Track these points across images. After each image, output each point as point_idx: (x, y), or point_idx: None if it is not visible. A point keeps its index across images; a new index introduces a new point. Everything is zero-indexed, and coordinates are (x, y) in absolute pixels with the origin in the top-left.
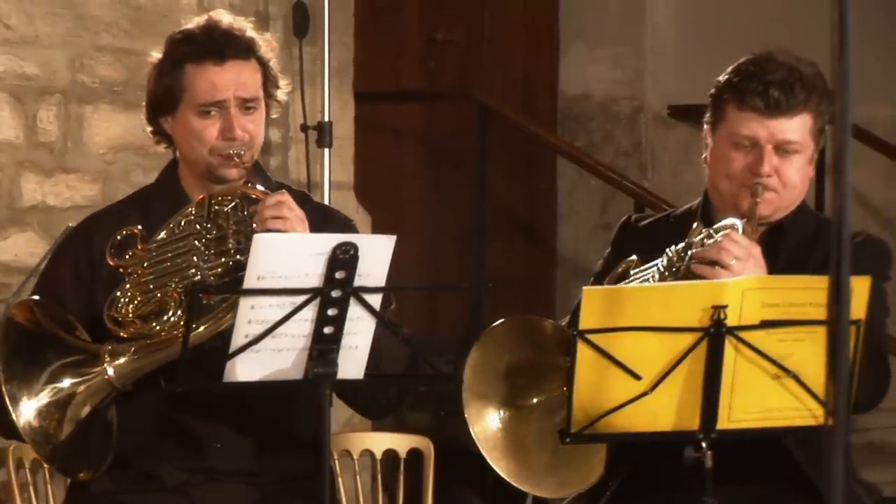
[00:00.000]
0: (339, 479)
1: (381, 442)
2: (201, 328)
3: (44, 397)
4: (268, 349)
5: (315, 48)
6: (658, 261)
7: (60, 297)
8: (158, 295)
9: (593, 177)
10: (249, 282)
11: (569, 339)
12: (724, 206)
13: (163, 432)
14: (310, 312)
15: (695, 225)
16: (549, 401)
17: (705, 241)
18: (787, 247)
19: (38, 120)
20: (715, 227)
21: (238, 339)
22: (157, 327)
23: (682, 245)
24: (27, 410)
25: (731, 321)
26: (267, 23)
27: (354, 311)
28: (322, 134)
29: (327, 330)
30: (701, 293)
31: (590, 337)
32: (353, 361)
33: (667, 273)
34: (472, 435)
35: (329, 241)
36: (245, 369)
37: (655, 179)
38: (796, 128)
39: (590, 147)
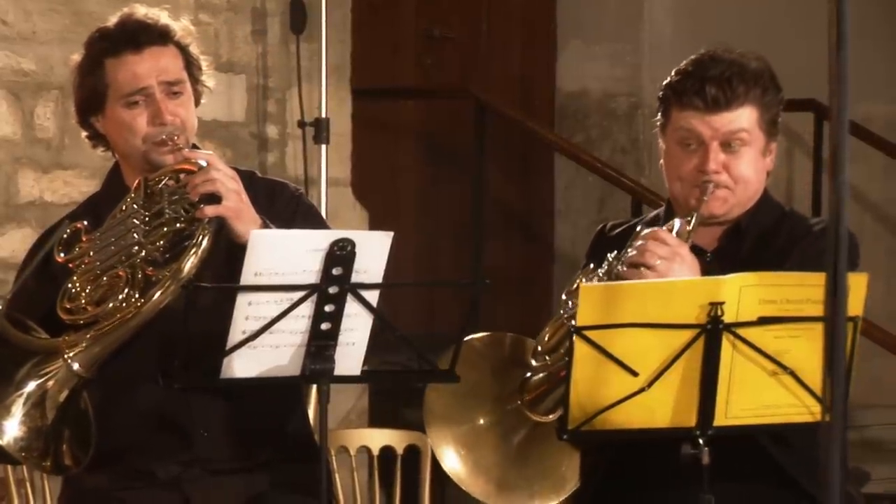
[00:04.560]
0: (336, 476)
1: (378, 438)
2: (152, 299)
3: (18, 409)
4: (265, 345)
5: (312, 45)
6: (601, 267)
7: (30, 302)
8: (106, 278)
9: (591, 173)
10: (246, 278)
11: (525, 350)
12: (680, 208)
13: (152, 426)
14: (307, 309)
15: (638, 228)
16: (508, 415)
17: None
18: (746, 245)
19: (36, 116)
20: (654, 229)
21: (235, 336)
22: (111, 307)
23: (624, 250)
24: (10, 428)
25: (728, 318)
26: (265, 19)
27: (352, 307)
28: (319, 130)
29: (324, 326)
30: (698, 290)
31: (587, 333)
32: (350, 357)
33: (606, 278)
34: (437, 457)
35: (326, 237)
36: (242, 365)
37: (653, 176)
38: (739, 120)
39: (587, 143)
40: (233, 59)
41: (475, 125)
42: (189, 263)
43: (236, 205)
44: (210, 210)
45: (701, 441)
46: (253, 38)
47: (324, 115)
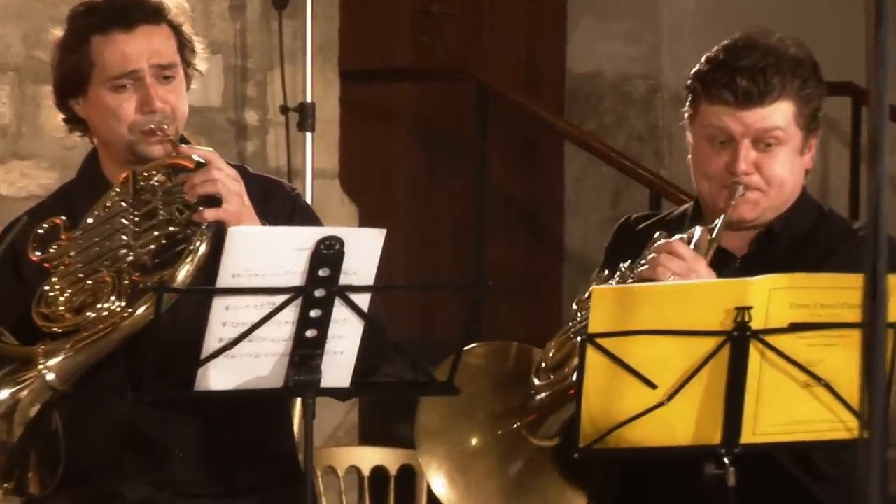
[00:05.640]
0: (323, 500)
1: (368, 457)
2: (139, 310)
3: None
4: (244, 355)
5: (296, 21)
6: (613, 277)
7: None
8: (90, 283)
9: (604, 164)
10: (224, 280)
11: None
12: (708, 209)
13: (122, 443)
14: (290, 314)
15: (656, 234)
16: (506, 437)
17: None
18: (778, 253)
19: None
20: (677, 236)
21: (211, 344)
22: (93, 316)
23: (638, 259)
24: None
25: (756, 324)
26: None
27: (340, 312)
28: (304, 117)
29: (310, 333)
30: (723, 293)
31: (600, 341)
32: (338, 368)
33: None
34: (427, 479)
35: (312, 234)
36: (219, 377)
37: (673, 167)
38: (774, 117)
39: (600, 131)
40: (208, 38)
41: (477, 110)
42: (184, 272)
43: (238, 209)
44: (210, 214)
45: (726, 460)
46: (230, 14)
47: (309, 100)
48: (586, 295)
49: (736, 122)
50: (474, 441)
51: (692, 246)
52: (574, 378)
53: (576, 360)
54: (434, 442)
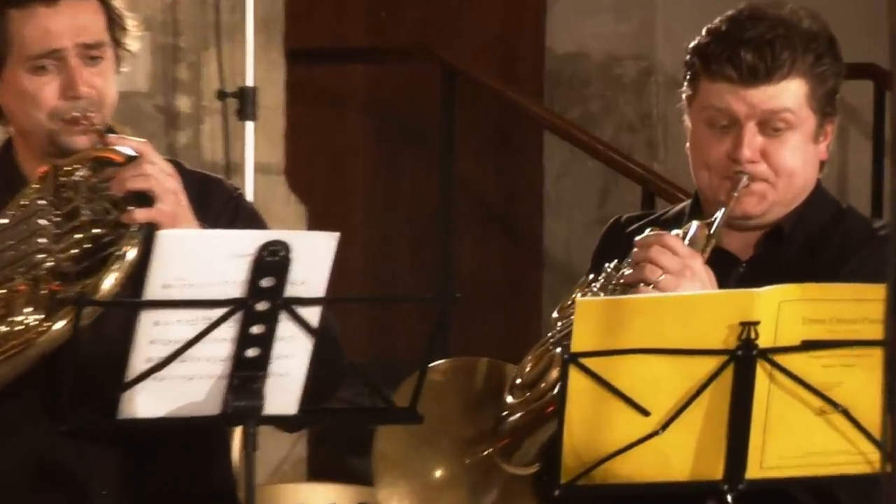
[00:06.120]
0: None
1: (319, 495)
2: (58, 324)
3: None
4: (175, 377)
5: None
6: (598, 280)
7: None
8: (2, 292)
9: (590, 157)
10: (152, 291)
11: (503, 381)
12: (708, 204)
13: (36, 478)
14: (229, 330)
15: (647, 231)
16: (477, 466)
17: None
18: (788, 256)
19: None
20: (673, 232)
21: (138, 365)
22: (5, 330)
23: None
24: None
25: (764, 341)
26: None
27: (286, 328)
28: (244, 103)
29: (251, 352)
30: (726, 305)
31: (585, 362)
32: (284, 392)
33: (602, 294)
34: None
35: (253, 239)
36: (146, 403)
37: (668, 161)
38: (782, 96)
39: (585, 120)
40: (133, 12)
41: (443, 95)
42: (110, 281)
43: (173, 209)
44: (141, 214)
45: (729, 498)
46: None
47: (250, 84)
48: (569, 301)
49: (739, 102)
50: (440, 472)
51: (687, 242)
52: (553, 393)
53: (554, 374)
54: (394, 474)
